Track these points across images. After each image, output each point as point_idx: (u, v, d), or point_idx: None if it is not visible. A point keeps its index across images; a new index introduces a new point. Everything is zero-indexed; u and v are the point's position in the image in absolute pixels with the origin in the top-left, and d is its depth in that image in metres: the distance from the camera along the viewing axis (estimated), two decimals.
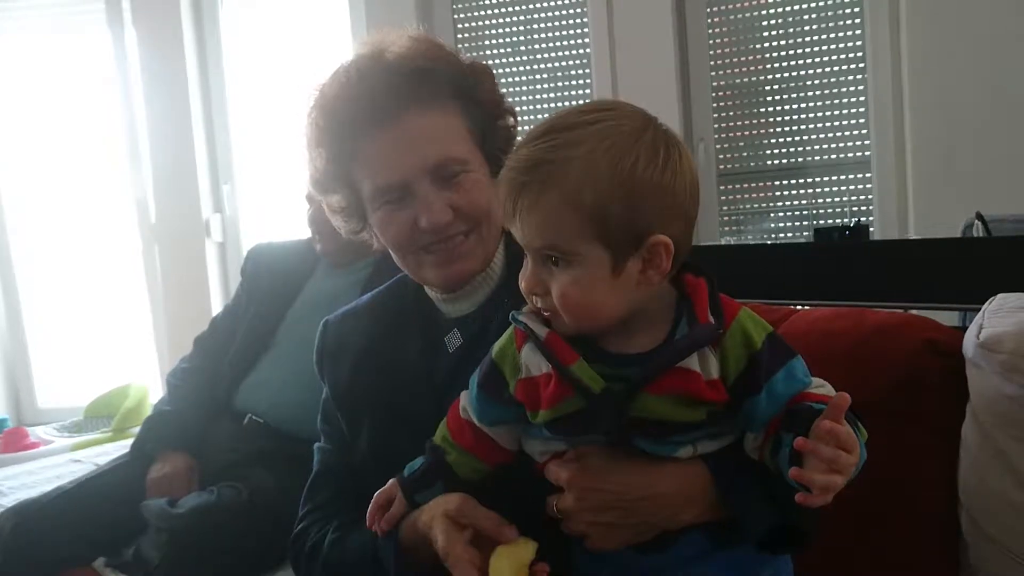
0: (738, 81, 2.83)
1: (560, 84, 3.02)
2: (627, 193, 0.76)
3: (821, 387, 0.81)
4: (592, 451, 0.85)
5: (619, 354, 0.82)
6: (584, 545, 0.88)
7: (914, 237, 2.46)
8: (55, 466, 2.45)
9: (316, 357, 1.19)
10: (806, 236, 2.77)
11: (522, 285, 0.84)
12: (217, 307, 3.22)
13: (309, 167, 1.08)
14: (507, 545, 0.86)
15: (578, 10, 2.96)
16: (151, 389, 3.16)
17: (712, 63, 2.84)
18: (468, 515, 0.89)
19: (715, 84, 2.84)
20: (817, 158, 2.76)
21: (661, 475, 0.83)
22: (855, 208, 2.72)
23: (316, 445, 1.20)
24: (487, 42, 3.10)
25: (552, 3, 3.00)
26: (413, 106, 1.00)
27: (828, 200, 2.76)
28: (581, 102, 2.93)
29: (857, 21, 2.67)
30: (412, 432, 1.03)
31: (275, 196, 3.38)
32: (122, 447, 2.13)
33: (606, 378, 0.80)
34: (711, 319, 0.80)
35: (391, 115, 0.99)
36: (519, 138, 1.12)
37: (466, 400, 0.93)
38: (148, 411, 2.12)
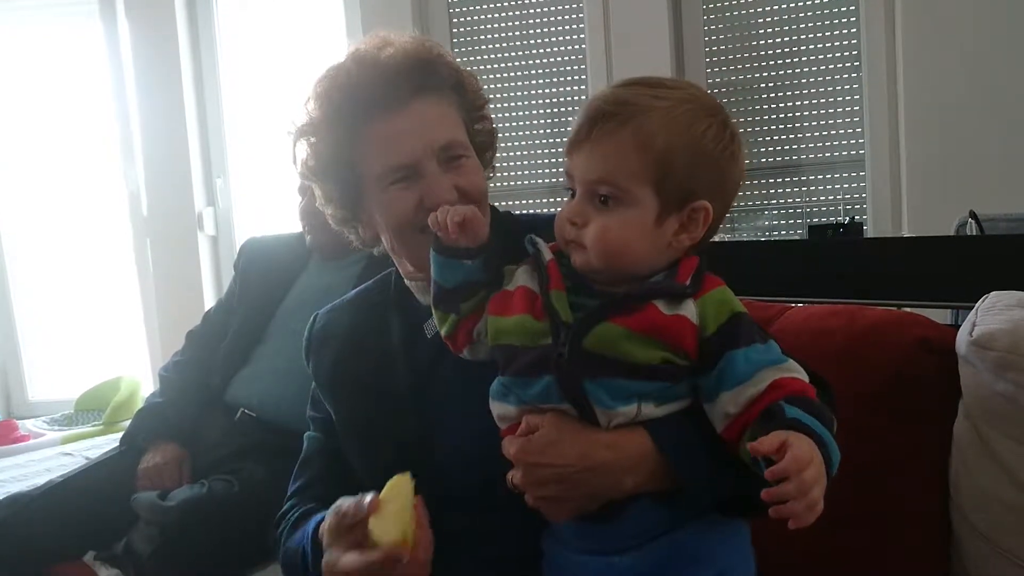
0: (733, 79, 2.83)
1: (555, 81, 3.01)
2: (692, 153, 0.82)
3: (797, 372, 0.82)
4: (537, 423, 0.87)
5: (600, 291, 0.86)
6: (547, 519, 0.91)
7: (908, 235, 2.47)
8: (45, 459, 2.45)
9: (304, 347, 1.22)
10: (800, 233, 2.77)
11: (562, 213, 0.87)
12: (209, 301, 3.21)
13: (307, 155, 1.10)
14: (382, 498, 0.90)
15: (574, 5, 2.96)
16: (142, 382, 3.15)
17: (707, 60, 2.84)
18: (335, 520, 0.94)
19: (710, 82, 2.84)
20: (811, 156, 2.77)
21: (599, 445, 0.84)
22: (849, 206, 2.72)
23: (306, 434, 1.23)
24: (483, 37, 3.09)
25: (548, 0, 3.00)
26: (420, 93, 1.05)
27: (822, 198, 2.77)
28: (578, 99, 2.95)
29: (852, 20, 2.68)
30: (392, 412, 1.07)
31: (268, 190, 3.37)
32: (113, 440, 2.13)
33: (577, 308, 0.85)
34: (688, 283, 0.84)
35: (401, 99, 1.04)
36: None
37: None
38: (139, 404, 2.11)
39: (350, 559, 0.90)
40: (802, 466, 0.71)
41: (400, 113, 1.03)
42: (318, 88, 1.08)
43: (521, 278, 0.91)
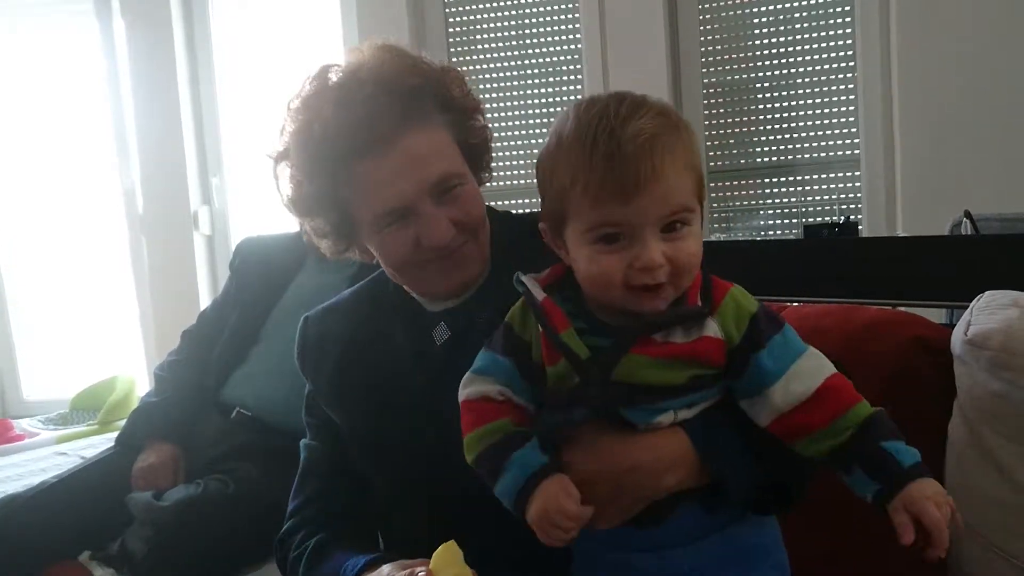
0: (729, 79, 2.84)
1: (552, 80, 3.01)
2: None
3: (828, 363, 0.84)
4: (576, 436, 0.87)
5: (606, 323, 0.85)
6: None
7: (902, 235, 2.47)
8: (40, 459, 2.44)
9: (297, 353, 1.19)
10: (795, 233, 2.77)
11: (650, 260, 0.79)
12: (205, 300, 3.20)
13: (290, 188, 1.07)
14: (433, 568, 0.86)
15: (570, 5, 2.96)
16: (138, 382, 3.15)
17: (703, 60, 2.84)
18: None
19: (706, 81, 2.84)
20: (807, 156, 2.77)
21: (640, 446, 0.84)
22: (844, 205, 2.73)
23: (303, 442, 1.19)
24: (479, 36, 3.08)
25: None
26: (407, 128, 0.99)
27: (817, 197, 2.77)
28: (573, 98, 2.95)
29: (847, 20, 2.68)
30: (404, 424, 1.05)
31: (264, 189, 3.35)
32: (108, 440, 2.13)
33: (595, 349, 0.83)
34: (699, 301, 0.83)
35: (388, 140, 0.98)
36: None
37: (485, 383, 0.90)
38: (135, 404, 2.11)
39: None
40: (940, 518, 0.75)
41: (387, 155, 0.98)
42: (295, 126, 1.03)
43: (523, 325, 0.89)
